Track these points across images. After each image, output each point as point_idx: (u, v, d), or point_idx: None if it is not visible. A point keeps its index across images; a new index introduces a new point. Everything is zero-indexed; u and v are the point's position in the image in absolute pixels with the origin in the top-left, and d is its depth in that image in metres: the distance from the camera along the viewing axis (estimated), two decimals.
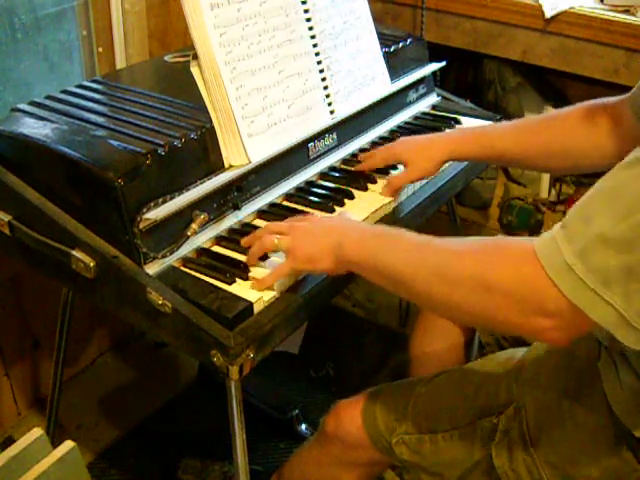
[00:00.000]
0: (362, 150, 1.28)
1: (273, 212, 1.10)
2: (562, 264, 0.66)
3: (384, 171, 1.21)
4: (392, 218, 1.11)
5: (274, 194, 1.11)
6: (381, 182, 1.18)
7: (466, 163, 1.29)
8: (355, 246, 0.85)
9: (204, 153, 1.02)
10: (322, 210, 1.09)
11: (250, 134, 1.05)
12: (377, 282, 0.84)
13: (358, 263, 0.85)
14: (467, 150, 1.14)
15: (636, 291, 0.64)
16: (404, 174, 1.16)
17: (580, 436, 0.91)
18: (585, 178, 1.87)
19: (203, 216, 0.98)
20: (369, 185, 1.17)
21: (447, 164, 1.21)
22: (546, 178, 1.94)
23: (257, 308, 0.89)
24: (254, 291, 0.90)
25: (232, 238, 1.03)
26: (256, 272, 0.94)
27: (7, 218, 1.02)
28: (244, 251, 0.99)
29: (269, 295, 0.91)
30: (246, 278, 0.93)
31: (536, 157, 1.11)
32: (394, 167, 1.22)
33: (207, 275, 0.94)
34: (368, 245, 0.84)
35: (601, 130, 1.04)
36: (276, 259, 0.95)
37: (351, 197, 1.13)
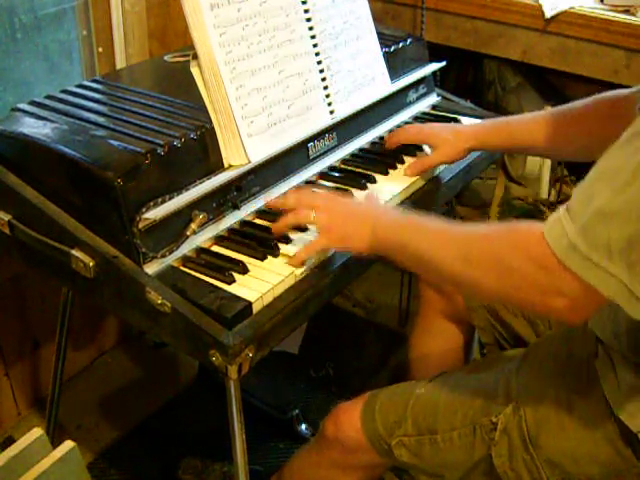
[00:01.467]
0: (362, 150, 1.29)
1: (273, 212, 1.10)
2: (568, 244, 0.69)
3: (384, 171, 1.21)
4: None
5: (274, 194, 1.11)
6: (382, 180, 1.18)
7: (466, 164, 1.29)
8: (387, 232, 0.91)
9: (204, 153, 1.02)
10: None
11: (250, 134, 1.05)
12: (406, 265, 0.90)
13: (389, 247, 0.91)
14: (490, 141, 1.19)
15: (638, 261, 0.66)
16: (431, 156, 1.22)
17: (579, 434, 0.91)
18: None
19: (202, 216, 0.98)
20: (368, 185, 1.17)
21: (443, 166, 1.25)
22: (546, 178, 1.94)
23: (256, 308, 0.89)
24: (253, 291, 0.90)
25: (231, 238, 1.03)
26: (286, 249, 0.98)
27: (7, 218, 1.02)
28: (244, 251, 0.99)
29: (268, 295, 0.91)
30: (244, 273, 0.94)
31: (560, 150, 1.15)
32: (399, 162, 1.24)
33: (206, 275, 0.94)
34: (398, 231, 0.90)
35: (617, 125, 1.06)
36: (305, 236, 1.01)
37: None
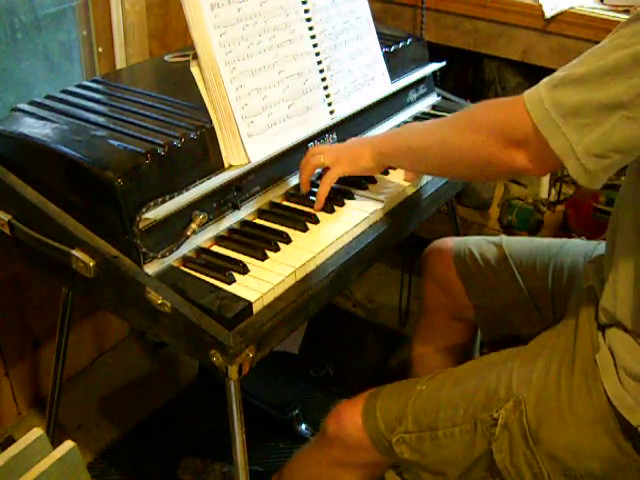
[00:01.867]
0: None
1: (273, 212, 1.10)
2: (537, 96, 0.80)
3: (385, 171, 1.21)
4: (393, 215, 1.11)
5: (274, 194, 1.11)
6: (380, 182, 1.18)
7: None
8: (385, 141, 1.06)
9: (204, 153, 1.02)
10: (322, 210, 1.09)
11: (250, 134, 1.05)
12: (406, 165, 1.08)
13: (389, 153, 1.05)
14: None
15: (585, 126, 0.76)
16: None
17: (579, 429, 0.92)
18: None
19: (202, 216, 0.98)
20: (369, 185, 1.17)
21: None
22: (546, 178, 1.94)
23: (256, 308, 0.89)
24: (253, 291, 0.90)
25: (232, 238, 1.03)
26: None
27: (7, 218, 1.02)
28: (244, 251, 0.99)
29: (269, 295, 0.91)
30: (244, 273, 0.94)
31: None
32: None
33: (206, 275, 0.94)
34: (393, 140, 1.05)
35: None
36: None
37: (351, 197, 1.13)
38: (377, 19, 1.33)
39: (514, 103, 0.83)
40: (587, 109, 0.76)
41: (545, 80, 0.81)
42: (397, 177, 1.21)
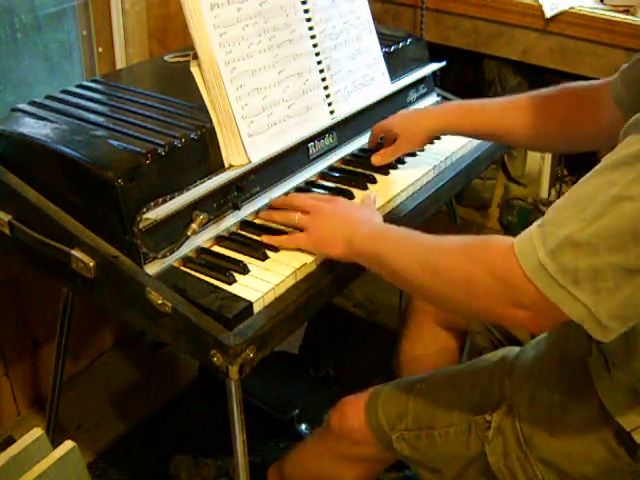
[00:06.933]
0: (362, 150, 1.28)
1: None
2: (536, 263, 0.70)
3: (385, 171, 1.21)
4: (392, 217, 1.11)
5: (274, 194, 1.11)
6: (380, 182, 1.18)
7: (467, 162, 1.29)
8: (363, 242, 0.91)
9: (204, 153, 1.02)
10: None
11: (250, 134, 1.05)
12: (378, 274, 0.90)
13: (363, 257, 0.91)
14: (452, 125, 1.17)
15: (604, 289, 0.68)
16: (393, 146, 1.20)
17: (572, 433, 0.92)
18: None
19: (203, 216, 0.98)
20: (369, 185, 1.17)
21: (446, 165, 1.26)
22: (546, 178, 1.94)
23: (257, 308, 0.89)
24: (254, 291, 0.90)
25: (232, 238, 1.03)
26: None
27: (7, 218, 1.02)
28: (244, 251, 0.99)
29: (269, 295, 0.91)
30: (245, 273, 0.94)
31: (518, 137, 1.12)
32: (399, 162, 1.25)
33: (207, 275, 0.94)
34: (374, 242, 0.90)
35: (583, 114, 1.06)
36: None
37: (351, 197, 1.13)
38: (377, 19, 1.33)
39: (510, 266, 0.72)
40: (604, 273, 0.67)
41: (538, 240, 0.70)
42: (398, 177, 1.21)
